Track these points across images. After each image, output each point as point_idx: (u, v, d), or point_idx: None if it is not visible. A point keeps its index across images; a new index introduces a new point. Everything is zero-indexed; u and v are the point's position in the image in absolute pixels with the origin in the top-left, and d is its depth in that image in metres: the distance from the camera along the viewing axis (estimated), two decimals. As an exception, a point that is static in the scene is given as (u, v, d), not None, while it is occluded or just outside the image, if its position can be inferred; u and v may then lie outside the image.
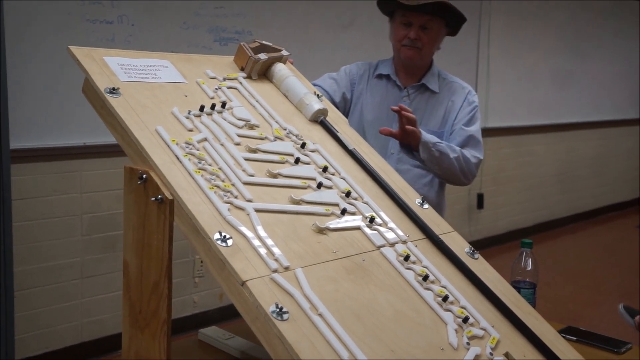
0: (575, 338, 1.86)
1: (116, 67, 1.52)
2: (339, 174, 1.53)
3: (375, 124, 2.37)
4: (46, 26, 3.35)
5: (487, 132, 6.11)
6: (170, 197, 1.28)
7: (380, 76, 2.50)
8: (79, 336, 3.68)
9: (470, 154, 2.38)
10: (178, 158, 1.35)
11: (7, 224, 2.80)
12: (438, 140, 2.30)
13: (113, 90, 1.45)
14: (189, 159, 1.36)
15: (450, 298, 1.33)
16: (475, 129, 2.48)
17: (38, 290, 3.51)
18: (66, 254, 3.60)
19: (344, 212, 1.42)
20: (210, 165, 1.38)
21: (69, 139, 3.50)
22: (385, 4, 2.45)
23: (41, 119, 3.40)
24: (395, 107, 2.10)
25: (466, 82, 2.58)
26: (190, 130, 1.45)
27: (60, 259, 3.58)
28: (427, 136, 2.23)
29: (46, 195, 3.50)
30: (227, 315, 4.07)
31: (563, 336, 1.46)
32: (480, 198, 6.17)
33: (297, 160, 1.51)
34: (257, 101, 1.65)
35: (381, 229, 1.43)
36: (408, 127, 2.12)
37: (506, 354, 1.27)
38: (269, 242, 1.26)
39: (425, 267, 1.38)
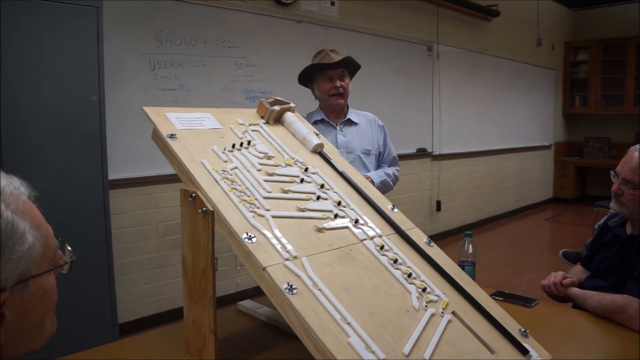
0: (501, 298, 1.83)
1: (174, 119, 1.51)
2: (332, 189, 1.50)
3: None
4: (131, 93, 3.36)
5: (442, 157, 6.11)
6: (212, 209, 1.26)
7: (316, 121, 2.54)
8: (158, 307, 3.66)
9: (396, 169, 2.63)
10: (217, 181, 1.33)
11: (108, 231, 2.88)
12: (384, 177, 2.51)
13: (172, 136, 1.43)
14: (225, 182, 1.34)
15: (413, 275, 1.29)
16: (393, 148, 2.68)
17: (130, 276, 3.50)
18: (147, 251, 3.58)
19: (336, 216, 1.39)
20: (239, 186, 1.35)
21: (146, 171, 3.49)
22: (306, 71, 2.51)
23: (128, 158, 3.40)
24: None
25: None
26: (226, 162, 1.43)
27: (143, 255, 3.57)
28: (376, 179, 2.43)
29: (133, 210, 3.50)
30: (261, 291, 4.03)
31: (493, 298, 1.43)
32: (438, 204, 6.13)
33: (302, 180, 1.48)
34: (273, 139, 1.63)
35: (363, 227, 1.40)
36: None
37: (453, 312, 1.24)
38: (282, 239, 1.23)
39: (395, 254, 1.34)
